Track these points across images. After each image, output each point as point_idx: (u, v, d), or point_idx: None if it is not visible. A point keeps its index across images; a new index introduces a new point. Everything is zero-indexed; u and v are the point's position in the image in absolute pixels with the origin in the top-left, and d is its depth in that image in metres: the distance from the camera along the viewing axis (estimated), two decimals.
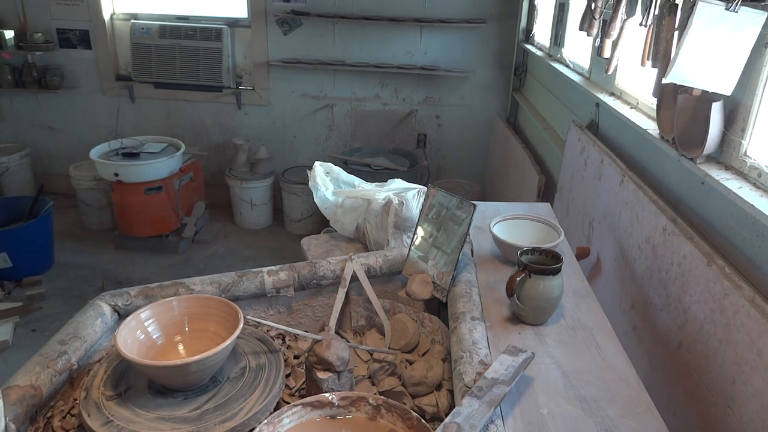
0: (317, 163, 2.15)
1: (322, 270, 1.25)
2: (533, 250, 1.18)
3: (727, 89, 1.25)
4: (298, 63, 3.91)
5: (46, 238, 3.44)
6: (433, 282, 1.22)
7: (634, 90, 2.02)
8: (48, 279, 3.36)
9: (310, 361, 0.98)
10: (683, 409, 1.34)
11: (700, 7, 1.20)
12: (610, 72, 1.93)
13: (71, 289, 3.30)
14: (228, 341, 0.89)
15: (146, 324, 0.97)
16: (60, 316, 2.99)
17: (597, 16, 2.03)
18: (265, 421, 0.85)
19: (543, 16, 3.52)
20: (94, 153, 3.52)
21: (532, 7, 3.60)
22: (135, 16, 4.09)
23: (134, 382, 0.94)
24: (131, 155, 3.55)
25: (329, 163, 2.19)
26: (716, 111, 1.29)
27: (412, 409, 0.93)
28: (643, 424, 0.91)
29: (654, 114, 1.69)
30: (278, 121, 4.21)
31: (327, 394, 0.90)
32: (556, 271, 1.12)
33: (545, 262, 1.16)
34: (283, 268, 1.23)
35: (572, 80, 2.54)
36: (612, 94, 2.17)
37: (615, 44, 1.85)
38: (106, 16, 4.05)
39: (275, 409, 0.90)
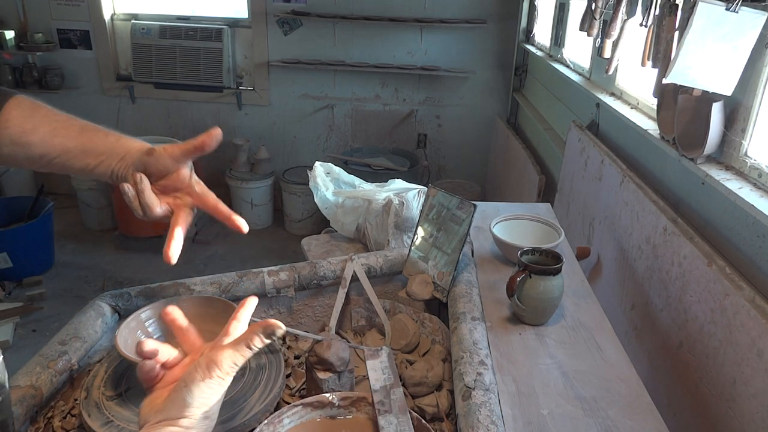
0: (317, 164, 2.15)
1: (322, 270, 1.25)
2: (533, 251, 1.18)
3: (728, 89, 1.25)
4: (299, 63, 3.92)
5: (46, 238, 3.44)
6: (433, 282, 1.22)
7: (634, 90, 2.02)
8: (48, 279, 3.36)
9: (311, 362, 0.98)
10: (683, 409, 1.34)
11: (700, 8, 1.20)
12: (610, 72, 1.93)
13: (71, 289, 3.30)
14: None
15: (147, 324, 0.97)
16: (60, 316, 3.00)
17: (597, 17, 2.03)
18: (266, 421, 0.85)
19: (543, 17, 3.52)
20: None
21: (532, 8, 3.60)
22: (135, 17, 4.10)
23: (135, 383, 0.94)
24: None
25: (329, 164, 2.19)
26: (716, 111, 1.29)
27: (413, 410, 0.93)
28: (644, 424, 0.91)
29: (654, 114, 1.69)
30: (278, 121, 4.22)
31: (327, 395, 0.90)
32: (557, 272, 1.12)
33: (545, 263, 1.16)
34: (284, 269, 1.23)
35: (572, 80, 2.54)
36: (612, 94, 2.17)
37: (615, 44, 1.85)
38: (107, 17, 4.05)
39: (275, 410, 0.90)
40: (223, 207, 0.85)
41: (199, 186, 0.85)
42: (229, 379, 0.61)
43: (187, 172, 0.83)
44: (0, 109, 0.79)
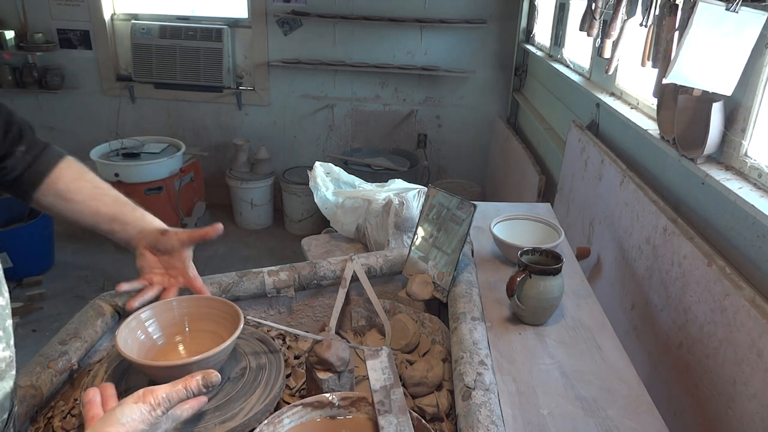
0: (317, 164, 2.15)
1: (322, 270, 1.25)
2: (533, 251, 1.18)
3: (728, 89, 1.25)
4: (299, 63, 3.92)
5: (46, 238, 3.44)
6: (433, 282, 1.22)
7: (634, 90, 2.02)
8: (48, 279, 3.36)
9: (311, 362, 0.98)
10: (683, 409, 1.34)
11: (700, 8, 1.20)
12: (610, 72, 1.93)
13: (71, 289, 3.30)
14: (228, 341, 0.89)
15: (146, 324, 0.97)
16: (60, 316, 3.00)
17: (597, 17, 2.03)
18: (266, 421, 0.85)
19: (543, 17, 3.52)
20: (95, 153, 3.52)
21: (532, 8, 3.60)
22: (135, 17, 4.10)
23: (134, 383, 0.94)
24: (132, 155, 3.55)
25: (329, 164, 2.19)
26: (716, 111, 1.29)
27: (413, 410, 0.93)
28: (644, 424, 0.91)
29: (654, 114, 1.69)
30: (278, 121, 4.22)
31: (327, 395, 0.90)
32: (557, 272, 1.12)
33: (546, 263, 1.16)
34: (284, 269, 1.23)
35: (572, 80, 2.54)
36: (612, 94, 2.17)
37: (615, 45, 1.85)
38: (107, 17, 4.05)
39: (275, 410, 0.90)
40: (206, 292, 1.03)
41: (192, 271, 1.03)
42: (159, 413, 0.65)
43: (188, 254, 1.00)
44: (55, 166, 0.96)
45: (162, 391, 0.66)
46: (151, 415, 0.65)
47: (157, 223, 1.02)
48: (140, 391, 0.66)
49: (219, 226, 0.98)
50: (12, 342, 0.77)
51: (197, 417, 0.87)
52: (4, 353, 0.74)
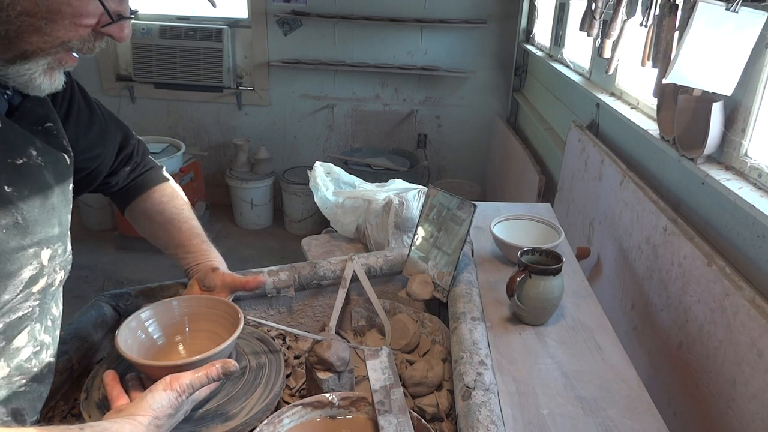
0: (318, 164, 2.15)
1: (322, 270, 1.25)
2: (534, 251, 1.18)
3: (728, 89, 1.25)
4: (299, 63, 3.92)
5: None
6: (433, 282, 1.22)
7: (634, 90, 2.02)
8: None
9: (311, 362, 0.98)
10: (683, 409, 1.34)
11: (700, 8, 1.20)
12: (610, 72, 1.93)
13: (71, 289, 3.29)
14: (228, 341, 0.89)
15: (147, 324, 0.96)
16: (60, 316, 2.99)
17: (597, 17, 2.03)
18: (266, 421, 0.85)
19: (543, 17, 3.52)
20: None
21: (532, 8, 3.60)
22: (135, 17, 4.09)
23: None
24: None
25: (329, 164, 2.19)
26: (716, 111, 1.29)
27: (413, 410, 0.93)
28: (644, 424, 0.91)
29: (654, 114, 1.69)
30: (279, 121, 4.22)
31: (327, 395, 0.90)
32: (557, 272, 1.12)
33: (546, 263, 1.16)
34: (284, 269, 1.23)
35: (572, 80, 2.54)
36: (612, 94, 2.17)
37: (615, 44, 1.85)
38: None
39: (275, 409, 0.90)
40: None
41: None
42: (183, 399, 0.74)
43: (226, 297, 1.03)
44: (149, 188, 1.09)
45: (186, 378, 0.74)
46: (177, 401, 0.73)
47: (217, 261, 1.07)
48: (167, 378, 0.74)
49: (262, 280, 1.05)
50: (56, 352, 0.82)
51: (197, 417, 0.87)
52: (50, 359, 0.79)
